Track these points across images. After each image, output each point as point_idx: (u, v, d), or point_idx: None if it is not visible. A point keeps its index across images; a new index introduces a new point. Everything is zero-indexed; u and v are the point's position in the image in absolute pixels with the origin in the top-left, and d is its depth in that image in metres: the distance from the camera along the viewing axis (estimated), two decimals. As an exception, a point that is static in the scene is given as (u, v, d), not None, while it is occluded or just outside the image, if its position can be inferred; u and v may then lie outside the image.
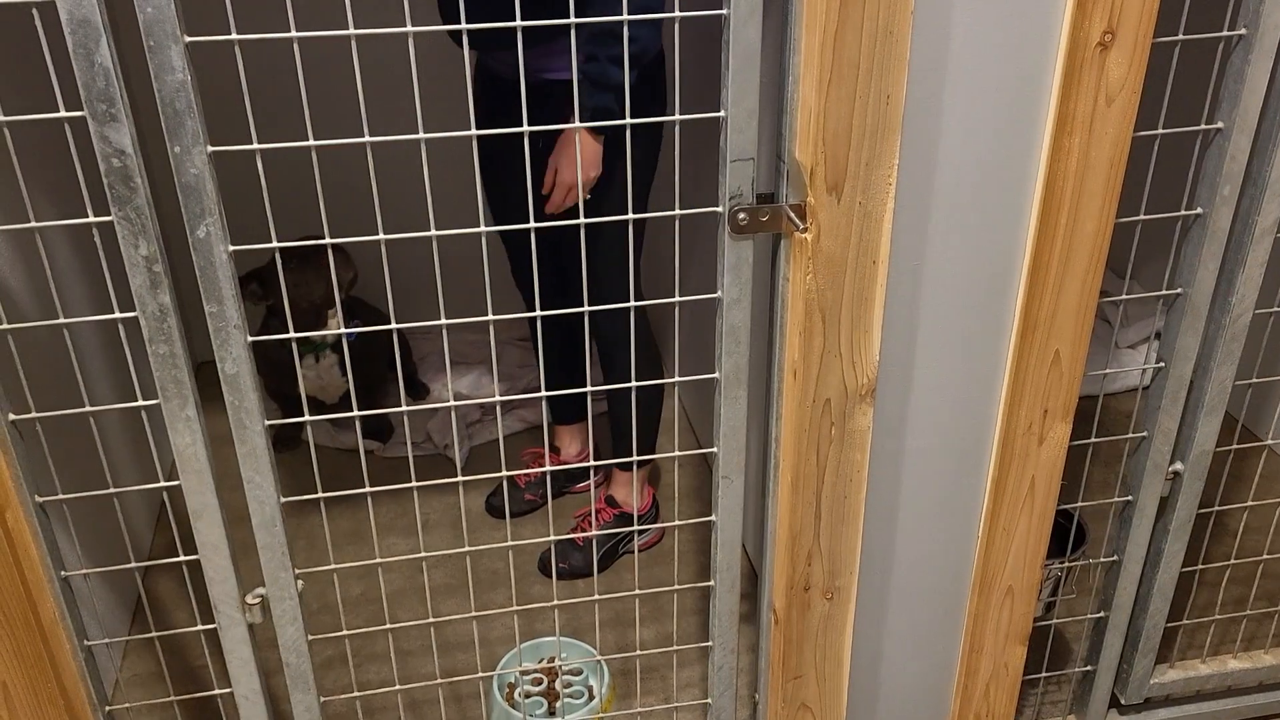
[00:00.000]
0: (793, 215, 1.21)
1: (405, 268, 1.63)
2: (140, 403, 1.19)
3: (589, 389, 1.34)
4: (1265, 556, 1.76)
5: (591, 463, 1.67)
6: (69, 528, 1.44)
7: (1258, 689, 1.83)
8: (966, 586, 1.56)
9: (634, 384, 1.37)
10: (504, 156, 1.83)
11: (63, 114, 1.02)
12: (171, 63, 1.00)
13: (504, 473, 1.36)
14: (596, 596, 1.50)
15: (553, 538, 1.66)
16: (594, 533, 2.15)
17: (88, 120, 1.01)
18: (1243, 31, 1.26)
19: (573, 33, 1.13)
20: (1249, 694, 1.84)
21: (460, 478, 1.34)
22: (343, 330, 1.40)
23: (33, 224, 1.10)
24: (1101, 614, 1.68)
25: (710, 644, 1.52)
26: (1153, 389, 1.51)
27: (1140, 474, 1.55)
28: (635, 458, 1.71)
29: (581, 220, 1.22)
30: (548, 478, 1.54)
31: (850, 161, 1.18)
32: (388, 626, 1.46)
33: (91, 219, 1.08)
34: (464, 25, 1.07)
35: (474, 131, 1.13)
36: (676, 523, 1.45)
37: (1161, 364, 1.48)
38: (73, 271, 1.97)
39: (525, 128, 1.15)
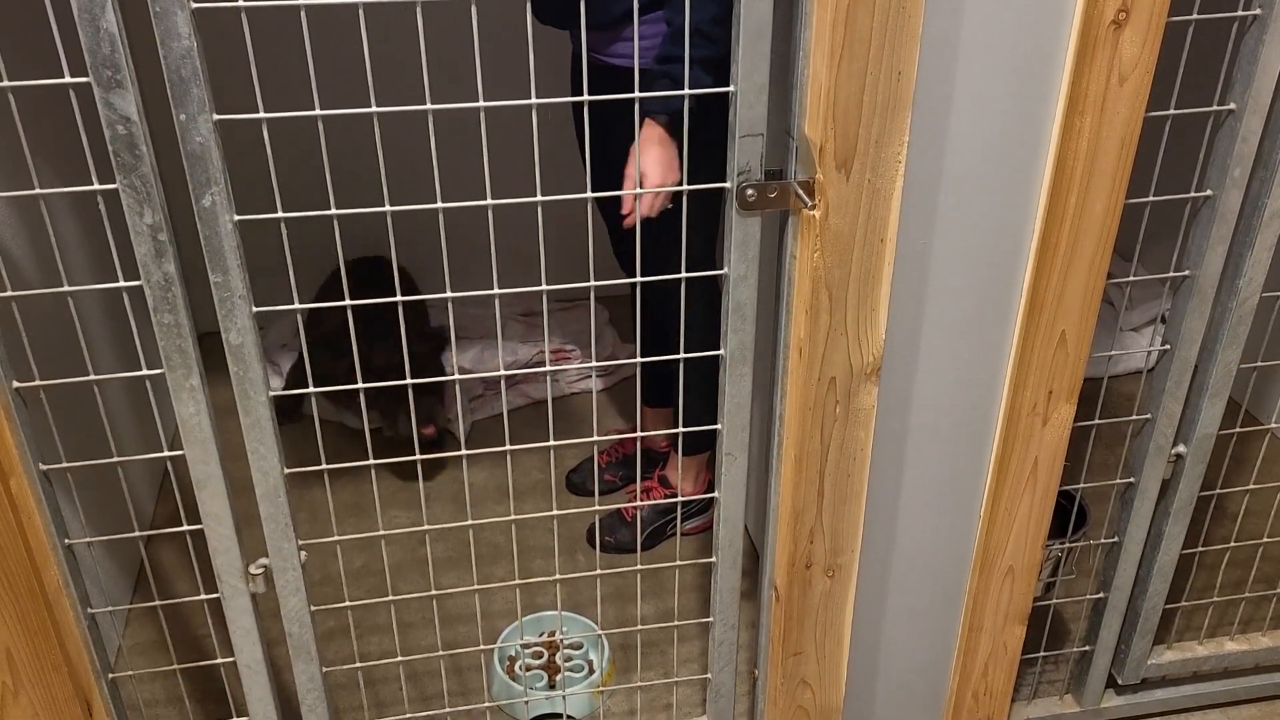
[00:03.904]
0: (801, 192, 1.20)
1: (416, 241, 1.62)
2: (144, 372, 1.19)
3: (593, 365, 1.34)
4: (1265, 540, 1.76)
5: (594, 438, 1.66)
6: (72, 496, 1.44)
7: (1254, 671, 1.84)
8: (967, 566, 1.56)
9: (639, 360, 1.37)
10: (594, 141, 1.82)
11: (67, 80, 1.01)
12: (177, 29, 0.99)
13: (507, 447, 1.35)
14: (598, 571, 1.51)
15: (597, 508, 1.66)
16: (621, 504, 2.15)
17: (93, 86, 1.01)
18: (1257, 12, 1.25)
19: (635, 18, 1.11)
20: (1245, 676, 1.85)
21: (464, 451, 1.34)
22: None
23: (37, 191, 1.09)
24: (1101, 595, 1.68)
25: (711, 620, 1.52)
26: (1157, 371, 1.51)
27: (1143, 456, 1.55)
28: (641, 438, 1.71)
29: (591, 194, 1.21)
30: (543, 454, 1.53)
31: (860, 138, 1.17)
32: (390, 598, 1.46)
33: (96, 186, 1.08)
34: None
35: (481, 104, 1.12)
36: (679, 498, 1.45)
37: (1167, 346, 1.48)
38: (76, 240, 1.97)
39: (530, 102, 1.14)
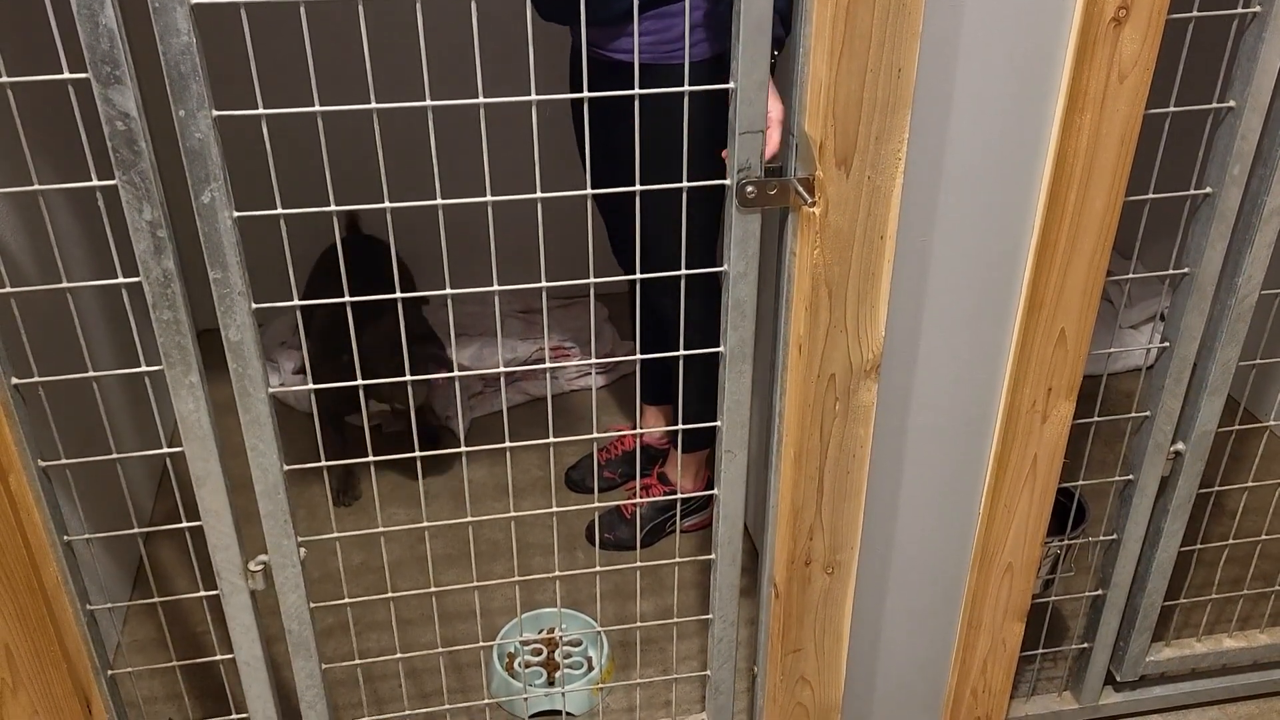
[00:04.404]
0: (801, 189, 1.20)
1: (415, 238, 1.63)
2: (143, 368, 1.19)
3: (593, 362, 1.34)
4: (1263, 537, 1.76)
5: (601, 433, 1.66)
6: (71, 493, 1.44)
7: (1252, 668, 1.84)
8: (966, 563, 1.56)
9: (638, 358, 1.37)
10: (594, 137, 1.82)
11: (66, 76, 1.01)
12: (176, 25, 0.99)
13: (507, 444, 1.35)
14: (597, 568, 1.51)
15: (596, 505, 1.66)
16: (626, 501, 2.15)
17: (92, 83, 1.01)
18: (1257, 9, 1.25)
19: (635, 14, 1.11)
20: (1243, 673, 1.85)
21: (464, 448, 1.34)
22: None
23: (36, 187, 1.09)
24: (1099, 592, 1.68)
25: (710, 617, 1.52)
26: (1157, 369, 1.51)
27: (1142, 453, 1.55)
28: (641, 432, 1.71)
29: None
30: (542, 451, 1.53)
31: (860, 135, 1.17)
32: (389, 595, 1.46)
33: (95, 183, 1.08)
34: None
35: (481, 100, 1.11)
36: (679, 496, 1.45)
37: (1166, 344, 1.48)
38: (74, 236, 1.96)
39: (530, 99, 1.14)
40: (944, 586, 1.59)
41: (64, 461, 1.26)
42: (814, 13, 1.10)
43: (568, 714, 1.83)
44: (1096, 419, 1.50)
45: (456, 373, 1.31)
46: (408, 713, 1.62)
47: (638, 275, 1.33)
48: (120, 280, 1.14)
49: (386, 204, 1.15)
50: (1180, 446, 1.54)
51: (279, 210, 1.13)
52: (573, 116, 1.92)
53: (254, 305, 1.16)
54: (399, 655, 1.53)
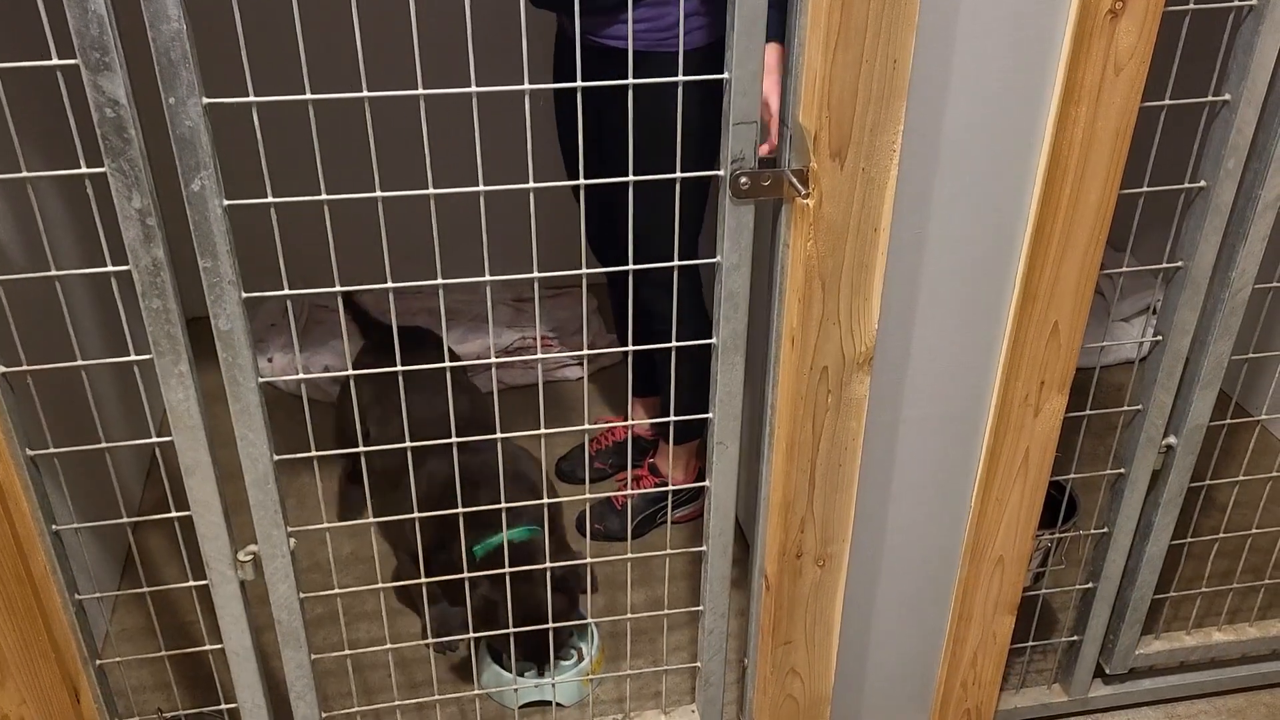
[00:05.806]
0: (795, 180, 1.19)
1: (407, 229, 1.62)
2: (132, 357, 1.18)
3: (585, 352, 1.34)
4: (1253, 531, 1.77)
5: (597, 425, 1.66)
6: (60, 482, 1.43)
7: (1241, 661, 1.85)
8: (957, 556, 1.56)
9: (631, 348, 1.36)
10: (572, 122, 1.81)
11: (55, 62, 1.00)
12: (166, 11, 0.98)
13: (498, 435, 1.35)
14: (588, 560, 1.51)
15: (587, 496, 1.66)
16: (619, 493, 2.14)
17: (81, 69, 1.00)
18: (1253, 2, 1.25)
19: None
20: (1232, 666, 1.86)
21: (454, 439, 1.33)
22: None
23: (24, 174, 1.08)
24: (1089, 585, 1.69)
25: (701, 608, 1.52)
26: (1149, 362, 1.51)
27: (1133, 447, 1.55)
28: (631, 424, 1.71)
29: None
30: (532, 441, 1.53)
31: (855, 127, 1.17)
32: (379, 585, 1.46)
33: (84, 170, 1.07)
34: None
35: (472, 89, 1.11)
36: (670, 488, 1.45)
37: (1159, 337, 1.48)
38: (63, 224, 1.95)
39: (524, 88, 1.13)
40: (935, 579, 1.59)
41: (52, 450, 1.25)
42: (809, 2, 1.10)
43: (557, 705, 1.83)
44: (1088, 412, 1.50)
45: (448, 364, 1.31)
46: (397, 703, 1.62)
47: (632, 266, 1.33)
48: (109, 268, 1.13)
49: (379, 193, 1.14)
50: (1171, 440, 1.55)
51: (269, 199, 1.12)
52: (556, 104, 1.91)
53: (244, 294, 1.15)
54: (389, 646, 1.52)
